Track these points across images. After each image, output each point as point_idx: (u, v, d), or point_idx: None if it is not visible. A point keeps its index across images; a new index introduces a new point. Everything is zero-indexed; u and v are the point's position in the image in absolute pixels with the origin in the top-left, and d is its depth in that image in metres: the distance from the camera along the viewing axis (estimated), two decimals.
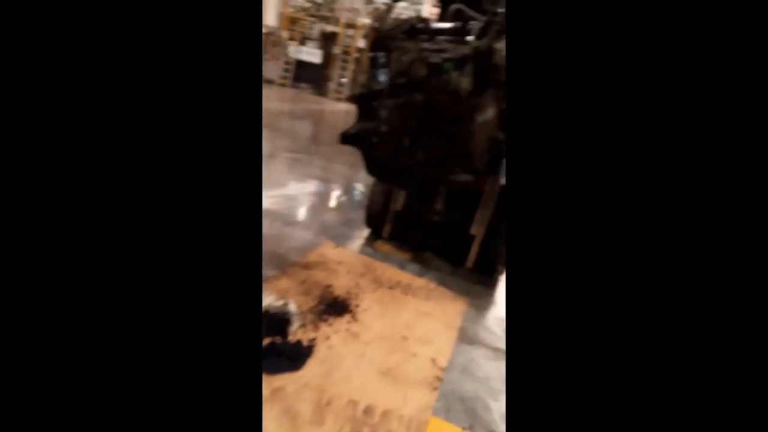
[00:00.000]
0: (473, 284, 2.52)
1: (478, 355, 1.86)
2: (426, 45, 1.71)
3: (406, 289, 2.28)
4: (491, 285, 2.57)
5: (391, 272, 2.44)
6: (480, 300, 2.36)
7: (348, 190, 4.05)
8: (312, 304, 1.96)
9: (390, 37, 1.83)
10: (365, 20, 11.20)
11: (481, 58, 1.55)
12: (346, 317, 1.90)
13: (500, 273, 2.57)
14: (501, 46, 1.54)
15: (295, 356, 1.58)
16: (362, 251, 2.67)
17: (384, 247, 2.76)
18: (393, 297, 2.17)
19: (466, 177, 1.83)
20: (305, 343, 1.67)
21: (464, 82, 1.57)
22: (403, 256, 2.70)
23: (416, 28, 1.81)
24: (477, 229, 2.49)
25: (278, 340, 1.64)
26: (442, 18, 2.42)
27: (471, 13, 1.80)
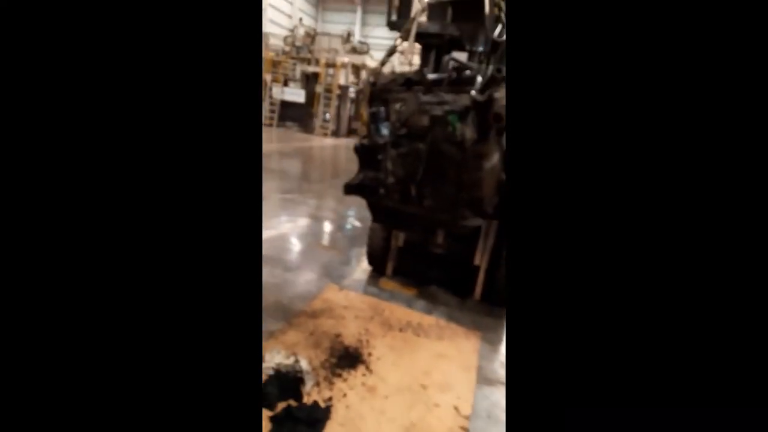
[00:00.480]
0: (483, 316, 2.48)
1: (501, 396, 1.80)
2: (425, 97, 1.74)
3: (417, 330, 2.22)
4: (501, 315, 2.52)
5: (399, 312, 2.38)
6: (492, 333, 2.31)
7: (341, 227, 4.02)
8: (323, 357, 1.88)
9: (387, 90, 1.86)
10: (344, 59, 11.59)
11: (483, 108, 1.59)
12: (361, 369, 1.83)
13: None
14: (500, 95, 1.58)
15: (314, 421, 1.49)
16: (367, 291, 2.61)
17: (388, 284, 2.71)
18: (405, 340, 2.10)
19: (477, 221, 1.83)
20: (322, 404, 1.58)
21: (468, 132, 1.60)
22: (409, 292, 2.65)
23: (412, 81, 1.85)
24: (481, 260, 2.47)
25: (293, 403, 1.55)
26: (425, 63, 2.50)
27: (464, 63, 1.86)
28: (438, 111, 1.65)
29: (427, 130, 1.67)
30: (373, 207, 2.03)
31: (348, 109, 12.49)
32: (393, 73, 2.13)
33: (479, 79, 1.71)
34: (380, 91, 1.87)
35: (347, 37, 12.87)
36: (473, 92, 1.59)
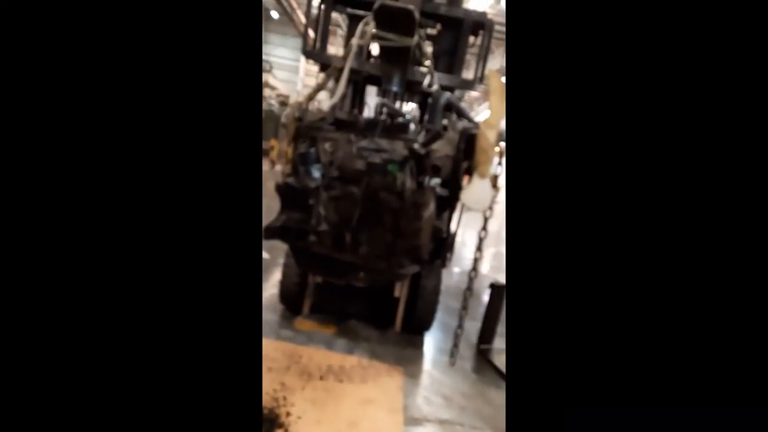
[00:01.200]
0: (404, 347, 2.47)
1: None
2: (362, 142, 1.66)
3: (340, 374, 2.07)
4: (419, 344, 2.55)
5: (318, 356, 2.20)
6: (412, 366, 2.31)
7: None
8: None
9: (315, 128, 1.73)
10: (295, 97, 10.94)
11: (422, 159, 1.58)
12: None
13: (427, 329, 2.59)
14: (438, 146, 1.61)
15: None
16: (280, 336, 2.36)
17: (305, 324, 2.51)
18: (327, 390, 1.94)
19: (413, 269, 1.80)
20: None
21: (408, 181, 1.57)
22: (328, 331, 2.49)
23: (343, 121, 1.76)
24: (400, 291, 2.47)
25: None
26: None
27: (395, 108, 1.85)
28: (376, 158, 1.60)
29: (362, 176, 1.59)
30: (299, 253, 1.84)
31: None
32: (319, 110, 1.98)
33: (411, 127, 1.72)
34: (308, 128, 1.73)
35: None
36: (416, 144, 1.58)
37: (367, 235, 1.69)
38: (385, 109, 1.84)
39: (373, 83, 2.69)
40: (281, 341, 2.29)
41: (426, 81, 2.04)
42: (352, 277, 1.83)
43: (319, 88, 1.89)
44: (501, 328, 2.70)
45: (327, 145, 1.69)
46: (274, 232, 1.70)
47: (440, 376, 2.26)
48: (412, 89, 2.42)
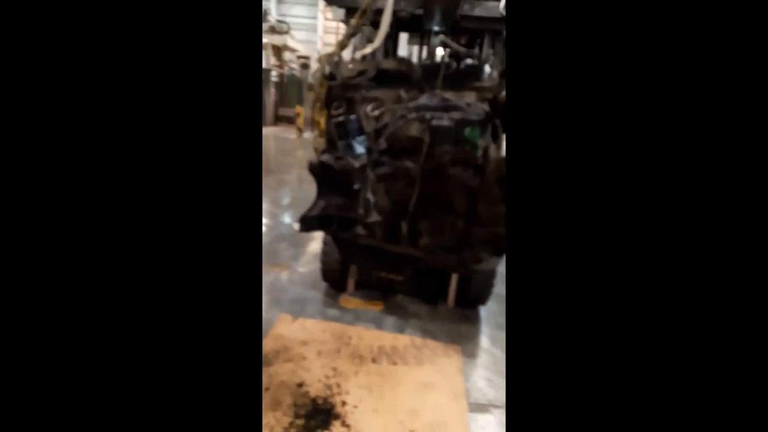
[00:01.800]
0: (457, 323, 2.28)
1: (496, 425, 1.61)
2: (422, 99, 1.28)
3: (393, 356, 1.93)
4: (474, 319, 2.36)
5: (368, 336, 2.07)
6: (470, 344, 2.13)
7: (280, 235, 3.53)
8: (287, 420, 1.50)
9: (352, 87, 1.37)
10: (263, 39, 10.41)
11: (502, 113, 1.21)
12: (336, 427, 1.49)
13: (483, 304, 2.38)
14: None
15: None
16: (326, 316, 2.24)
17: (351, 302, 2.37)
18: (382, 374, 1.80)
19: (496, 261, 1.48)
20: None
21: (494, 150, 1.22)
22: (375, 308, 2.35)
23: (389, 73, 1.38)
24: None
25: None
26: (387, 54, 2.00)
27: (461, 48, 1.45)
28: (444, 120, 1.22)
29: (420, 145, 1.26)
30: (344, 246, 1.58)
31: (272, 94, 11.43)
32: (358, 61, 1.50)
33: (487, 70, 1.32)
34: (343, 88, 1.36)
35: (263, 16, 11.60)
36: (503, 93, 1.17)
37: (430, 223, 1.37)
38: (446, 50, 1.44)
39: (405, 29, 2.27)
40: (328, 321, 2.17)
41: (501, 5, 1.59)
42: (411, 272, 1.54)
43: (352, 34, 1.50)
44: None
45: (369, 108, 1.34)
46: (312, 223, 1.42)
47: (501, 354, 2.07)
48: (462, 29, 1.91)
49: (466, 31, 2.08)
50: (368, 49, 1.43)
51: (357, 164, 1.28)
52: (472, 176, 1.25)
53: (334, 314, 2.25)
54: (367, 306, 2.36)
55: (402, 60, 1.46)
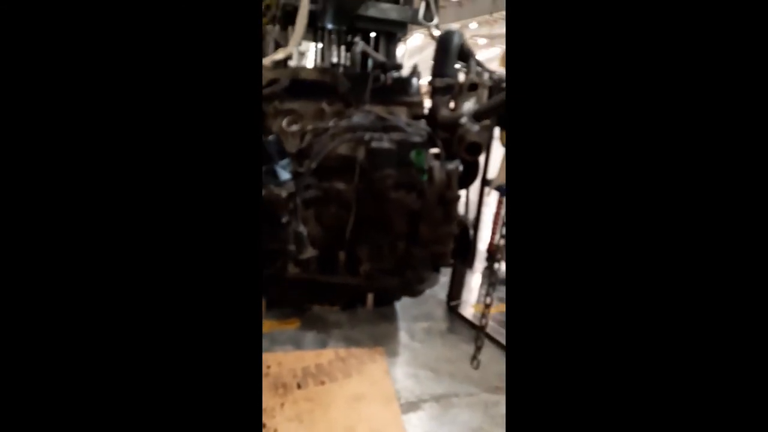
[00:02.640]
0: (377, 324, 2.32)
1: (426, 418, 1.70)
2: (356, 117, 1.12)
3: (318, 375, 1.85)
4: (390, 315, 2.43)
5: (289, 360, 1.93)
6: (392, 342, 2.19)
7: None
8: None
9: (266, 98, 1.15)
10: None
11: (453, 136, 1.13)
12: None
13: (399, 298, 2.46)
14: (464, 112, 1.16)
15: None
16: None
17: (264, 325, 2.17)
18: (310, 398, 1.71)
19: (437, 278, 1.42)
20: None
21: (438, 172, 1.14)
22: (292, 326, 2.20)
23: (310, 83, 1.19)
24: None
25: None
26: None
27: (377, 56, 1.32)
28: (385, 142, 1.10)
29: (351, 164, 1.12)
30: (270, 285, 1.35)
31: None
32: (268, 67, 1.26)
33: (414, 83, 1.23)
34: None
35: None
36: (463, 117, 1.07)
37: (369, 249, 1.29)
38: (369, 60, 1.32)
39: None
40: None
41: (420, 14, 1.51)
42: (353, 301, 1.43)
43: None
44: (466, 283, 2.72)
45: (285, 122, 1.17)
46: None
47: (420, 346, 2.19)
48: (355, 30, 1.79)
49: (359, 33, 2.01)
50: (280, 54, 1.25)
51: (283, 193, 1.11)
52: (415, 199, 1.22)
53: None
54: (282, 326, 2.20)
55: (326, 69, 1.30)
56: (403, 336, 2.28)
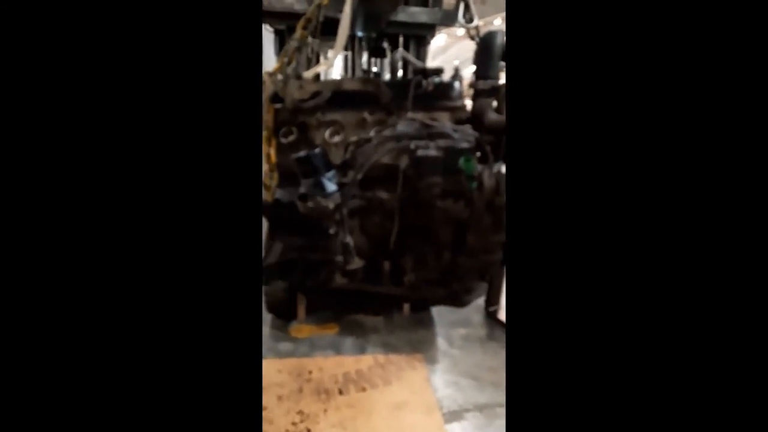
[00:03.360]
0: (414, 330, 2.29)
1: (468, 427, 1.66)
2: (400, 127, 1.13)
3: (360, 382, 1.86)
4: (428, 322, 2.40)
5: (330, 366, 1.95)
6: (430, 349, 2.16)
7: None
8: None
9: (307, 110, 1.17)
10: None
11: (499, 136, 1.13)
12: None
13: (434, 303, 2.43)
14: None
15: None
16: (278, 351, 2.05)
17: (302, 330, 2.21)
18: (352, 405, 1.72)
19: (484, 288, 1.41)
20: None
21: (487, 178, 1.14)
22: (331, 331, 2.22)
23: (352, 93, 1.21)
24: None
25: None
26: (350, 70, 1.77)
27: (416, 62, 1.34)
28: (432, 150, 1.09)
29: (394, 173, 1.13)
30: (315, 295, 1.39)
31: None
32: (309, 80, 1.28)
33: (456, 87, 1.23)
34: (293, 112, 1.16)
35: None
36: (493, 116, 1.06)
37: (414, 258, 1.29)
38: (409, 67, 1.33)
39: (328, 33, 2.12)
40: (282, 359, 1.99)
41: (460, 15, 1.50)
42: (396, 309, 1.44)
43: (297, 48, 1.27)
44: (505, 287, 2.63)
45: (328, 134, 1.19)
46: (272, 273, 1.22)
47: (460, 353, 2.14)
48: (399, 36, 1.81)
49: (388, 38, 2.01)
50: (322, 66, 1.27)
51: (331, 204, 1.12)
52: (463, 208, 1.20)
53: (287, 348, 2.08)
54: (321, 331, 2.22)
55: (368, 80, 1.31)
56: (441, 342, 2.25)
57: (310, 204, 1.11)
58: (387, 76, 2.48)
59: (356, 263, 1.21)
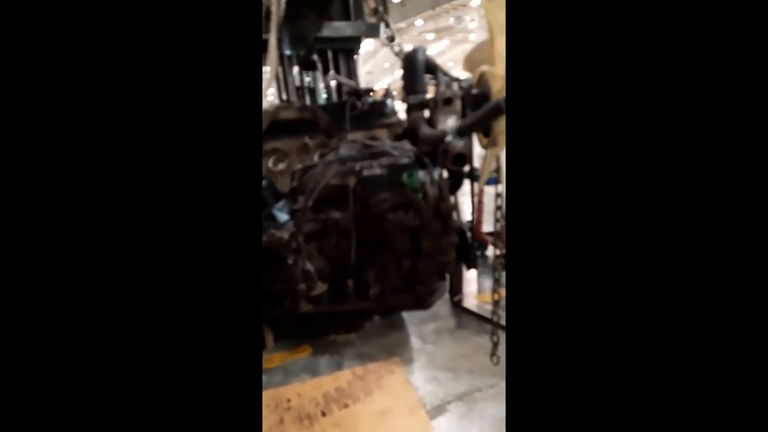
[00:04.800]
0: (386, 335, 2.32)
1: (455, 420, 1.72)
2: (343, 149, 1.14)
3: (341, 399, 1.84)
4: (398, 323, 2.44)
5: (308, 389, 1.91)
6: (405, 350, 2.19)
7: None
8: None
9: None
10: None
11: (435, 152, 1.17)
12: None
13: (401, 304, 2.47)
14: (446, 127, 1.20)
15: None
16: None
17: (274, 359, 2.13)
18: (337, 424, 1.70)
19: (444, 286, 1.46)
20: None
21: (430, 188, 1.17)
22: (304, 353, 2.17)
23: (288, 123, 1.20)
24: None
25: None
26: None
27: (349, 82, 1.35)
28: (376, 169, 1.14)
29: (344, 192, 1.14)
30: (281, 324, 1.36)
31: None
32: None
33: (389, 104, 1.26)
34: None
35: None
36: (448, 136, 1.10)
37: (376, 271, 1.31)
38: (344, 88, 1.35)
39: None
40: None
41: (382, 34, 1.55)
42: (363, 324, 1.46)
43: None
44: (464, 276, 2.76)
45: (271, 162, 1.18)
46: None
47: (434, 348, 2.21)
48: (325, 49, 1.82)
49: (316, 53, 2.02)
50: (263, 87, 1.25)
51: (285, 235, 1.11)
52: (413, 217, 1.25)
53: (262, 380, 1.99)
54: (294, 355, 2.16)
55: (304, 107, 1.32)
56: (414, 341, 2.29)
57: (264, 238, 1.10)
58: (320, 86, 2.49)
59: (320, 288, 1.22)
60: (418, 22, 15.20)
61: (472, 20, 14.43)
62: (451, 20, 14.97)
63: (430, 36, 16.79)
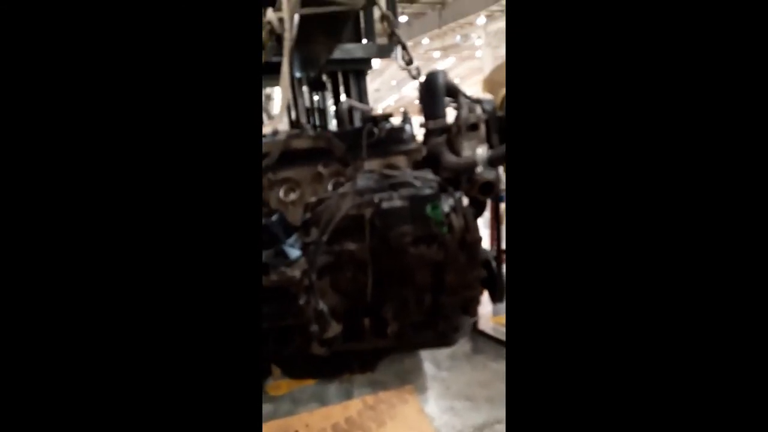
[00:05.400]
0: (401, 361, 2.21)
1: None
2: (360, 180, 1.10)
3: (351, 429, 1.73)
4: (414, 354, 2.32)
5: (316, 420, 1.80)
6: (419, 377, 2.08)
7: None
8: None
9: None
10: None
11: (459, 181, 1.12)
12: None
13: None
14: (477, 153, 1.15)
15: None
16: None
17: (281, 387, 2.04)
18: None
19: (471, 322, 1.39)
20: None
21: (455, 219, 1.11)
22: (311, 381, 2.07)
23: (304, 151, 1.16)
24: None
25: None
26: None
27: (365, 108, 1.32)
28: (396, 201, 1.08)
29: (360, 222, 1.09)
30: (290, 362, 1.30)
31: None
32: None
33: (408, 129, 1.22)
34: None
35: None
36: (479, 167, 1.06)
37: (394, 306, 1.23)
38: (359, 114, 1.31)
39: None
40: (264, 421, 1.81)
41: (399, 58, 1.52)
42: (369, 362, 1.37)
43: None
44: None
45: (282, 192, 1.13)
46: None
47: (449, 375, 2.09)
48: (335, 71, 1.81)
49: (327, 75, 2.01)
50: (268, 128, 1.22)
51: (297, 273, 1.04)
52: (436, 251, 1.17)
53: (267, 410, 1.90)
54: (301, 383, 2.07)
55: (320, 136, 1.27)
56: (428, 367, 2.17)
57: (273, 277, 1.03)
58: (331, 108, 2.47)
59: (333, 329, 1.13)
60: (425, 40, 15.47)
61: (479, 37, 14.63)
62: (458, 38, 15.21)
63: (437, 54, 17.05)
